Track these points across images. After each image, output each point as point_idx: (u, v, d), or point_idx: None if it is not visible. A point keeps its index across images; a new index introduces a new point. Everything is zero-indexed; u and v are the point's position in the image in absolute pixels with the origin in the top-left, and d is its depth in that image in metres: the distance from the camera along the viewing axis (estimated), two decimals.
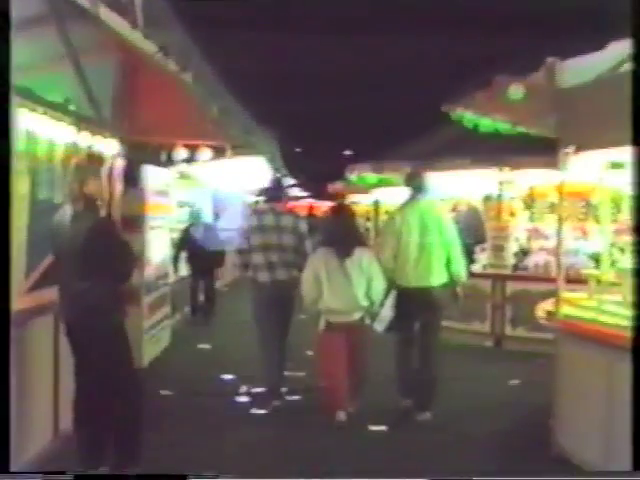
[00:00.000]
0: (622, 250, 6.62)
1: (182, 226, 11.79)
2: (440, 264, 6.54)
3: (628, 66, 4.19)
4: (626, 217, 7.39)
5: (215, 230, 12.41)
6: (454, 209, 12.65)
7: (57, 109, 5.24)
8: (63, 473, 3.90)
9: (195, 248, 11.26)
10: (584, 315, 5.36)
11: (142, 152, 7.67)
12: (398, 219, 6.63)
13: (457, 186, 11.06)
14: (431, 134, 11.42)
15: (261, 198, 7.32)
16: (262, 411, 6.70)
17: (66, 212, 4.59)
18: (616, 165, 5.49)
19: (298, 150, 29.67)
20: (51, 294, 4.84)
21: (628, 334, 4.20)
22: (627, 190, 5.45)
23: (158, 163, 8.56)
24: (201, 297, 11.80)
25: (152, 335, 8.50)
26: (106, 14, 4.16)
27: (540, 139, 6.58)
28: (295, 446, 5.83)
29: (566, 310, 5.47)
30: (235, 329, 9.94)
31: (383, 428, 6.22)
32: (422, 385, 6.62)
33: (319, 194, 33.58)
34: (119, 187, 6.87)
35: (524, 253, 10.45)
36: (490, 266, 10.18)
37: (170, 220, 10.06)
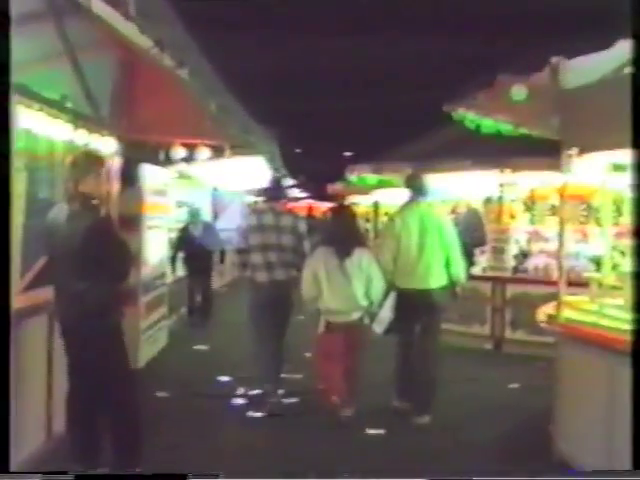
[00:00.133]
0: (623, 253, 6.57)
1: (180, 225, 11.69)
2: (440, 266, 6.54)
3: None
4: (627, 220, 7.36)
5: (214, 229, 12.34)
6: (454, 211, 12.60)
7: (54, 106, 5.18)
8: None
9: (193, 248, 11.16)
10: (585, 319, 5.30)
11: (140, 151, 7.60)
12: (398, 222, 6.64)
13: (457, 188, 11.01)
14: (432, 135, 11.37)
15: (260, 198, 7.25)
16: (259, 414, 6.62)
17: (61, 211, 4.52)
18: (618, 167, 5.44)
19: (298, 150, 29.62)
20: (46, 294, 4.78)
21: (629, 338, 4.15)
22: (629, 193, 5.40)
23: (156, 162, 8.49)
24: (198, 298, 11.69)
25: (149, 336, 8.44)
26: (102, 9, 4.10)
27: (542, 141, 6.53)
28: (292, 449, 5.77)
29: (567, 314, 5.41)
30: (233, 330, 9.87)
31: (381, 432, 6.16)
32: (421, 388, 6.58)
33: (319, 195, 33.56)
34: (117, 186, 6.82)
35: (524, 256, 10.41)
36: (490, 269, 10.11)
37: (168, 220, 10.00)
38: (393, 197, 11.65)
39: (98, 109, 5.96)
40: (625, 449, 3.86)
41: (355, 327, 6.47)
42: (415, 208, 6.66)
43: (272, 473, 5.11)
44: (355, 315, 6.45)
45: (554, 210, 10.80)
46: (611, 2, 4.10)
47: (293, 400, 7.05)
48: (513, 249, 10.37)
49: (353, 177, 13.88)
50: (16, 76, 4.06)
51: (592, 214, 10.47)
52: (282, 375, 7.19)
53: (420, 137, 11.91)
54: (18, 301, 4.56)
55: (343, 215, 6.77)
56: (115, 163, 6.64)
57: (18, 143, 4.60)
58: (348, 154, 29.58)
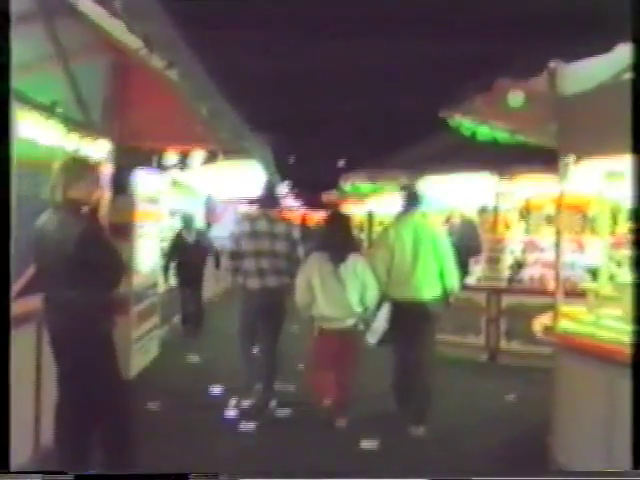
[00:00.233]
0: (619, 263, 6.52)
1: (173, 233, 11.56)
2: (434, 277, 6.53)
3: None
4: (624, 230, 7.31)
5: (207, 236, 12.25)
6: (448, 221, 12.56)
7: (44, 111, 5.10)
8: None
9: (186, 255, 11.03)
10: (582, 330, 5.23)
11: (132, 157, 7.50)
12: (391, 233, 6.63)
13: (452, 197, 10.95)
14: (427, 142, 11.30)
15: (254, 204, 7.20)
16: (251, 425, 6.52)
17: (50, 218, 4.43)
18: (614, 176, 5.39)
19: (292, 159, 29.59)
20: (34, 302, 4.68)
21: (628, 350, 4.08)
22: (625, 202, 5.34)
23: (149, 169, 8.40)
24: (191, 307, 11.55)
25: (141, 345, 8.33)
26: (91, 10, 4.03)
27: (538, 149, 6.48)
28: (285, 459, 5.70)
29: (564, 324, 5.34)
30: (225, 340, 9.77)
31: (375, 444, 6.06)
32: (416, 398, 6.53)
33: (313, 203, 33.50)
34: (108, 193, 6.74)
35: (519, 266, 10.35)
36: (485, 279, 10.04)
37: (161, 228, 9.91)
38: (387, 207, 11.59)
39: (89, 114, 5.88)
40: (625, 460, 3.79)
41: (349, 334, 6.45)
42: (409, 219, 6.67)
43: None
44: (349, 321, 6.43)
45: (550, 220, 10.75)
46: (611, 5, 4.03)
47: (286, 411, 6.95)
48: (508, 259, 10.30)
49: (347, 185, 13.80)
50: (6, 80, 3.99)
51: (588, 224, 10.42)
52: (275, 385, 7.14)
53: (415, 144, 11.85)
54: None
55: (338, 221, 6.74)
56: (106, 169, 6.55)
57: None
58: (342, 162, 29.54)
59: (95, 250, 4.32)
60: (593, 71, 4.42)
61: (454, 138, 7.61)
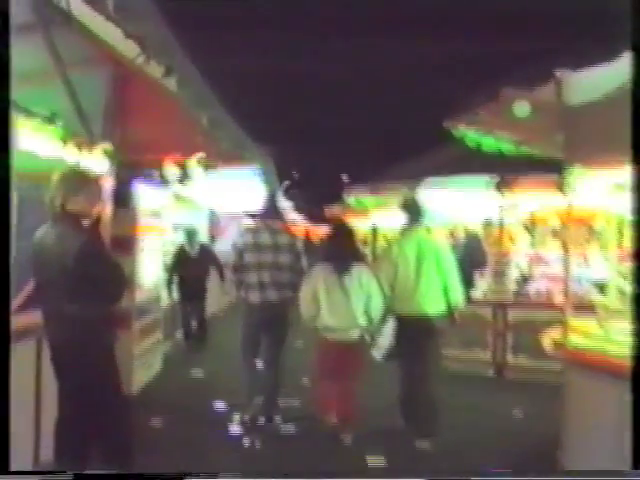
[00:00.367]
0: (625, 277, 6.43)
1: (176, 246, 11.48)
2: (438, 292, 6.52)
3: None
4: (630, 242, 7.23)
5: (211, 250, 12.16)
6: (452, 235, 12.49)
7: (44, 122, 5.05)
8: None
9: (188, 270, 10.95)
10: (593, 345, 5.14)
11: (133, 170, 7.45)
12: (395, 248, 6.68)
13: (456, 211, 10.88)
14: (431, 154, 11.25)
15: (256, 216, 7.15)
16: (255, 441, 6.43)
17: (48, 231, 4.36)
18: (621, 188, 5.31)
19: (295, 173, 29.59)
20: (34, 317, 4.61)
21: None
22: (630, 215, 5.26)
23: (150, 182, 8.35)
24: (194, 321, 11.45)
25: (143, 361, 8.24)
26: (93, 22, 4.00)
27: (544, 160, 6.42)
28: (288, 477, 5.59)
29: (573, 339, 5.25)
30: (230, 355, 9.69)
31: (381, 460, 5.97)
32: (422, 413, 6.49)
33: (316, 218, 33.42)
34: (109, 206, 6.68)
35: (525, 279, 10.26)
36: (491, 293, 9.95)
37: (163, 242, 9.85)
38: (391, 220, 11.52)
39: (90, 126, 5.83)
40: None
41: (353, 346, 6.39)
42: (412, 233, 6.69)
43: None
44: (353, 333, 6.39)
45: (555, 233, 10.67)
46: (616, 13, 3.97)
47: (290, 427, 6.87)
48: (514, 273, 10.21)
49: (351, 199, 13.75)
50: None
51: (594, 237, 10.33)
52: (279, 401, 7.10)
53: (419, 157, 11.79)
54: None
55: (342, 232, 6.72)
56: (107, 182, 6.50)
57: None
58: (345, 176, 29.54)
59: (95, 264, 4.25)
60: (600, 80, 4.35)
61: (458, 149, 7.57)
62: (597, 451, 4.87)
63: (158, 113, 6.30)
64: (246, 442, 6.39)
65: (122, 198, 7.31)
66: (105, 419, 4.52)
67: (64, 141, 5.34)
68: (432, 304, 6.48)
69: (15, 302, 4.78)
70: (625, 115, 4.04)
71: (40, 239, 4.36)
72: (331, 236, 6.82)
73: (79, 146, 5.59)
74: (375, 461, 5.94)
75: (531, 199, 9.63)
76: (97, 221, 4.58)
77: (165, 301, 10.07)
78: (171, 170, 8.55)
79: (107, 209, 6.67)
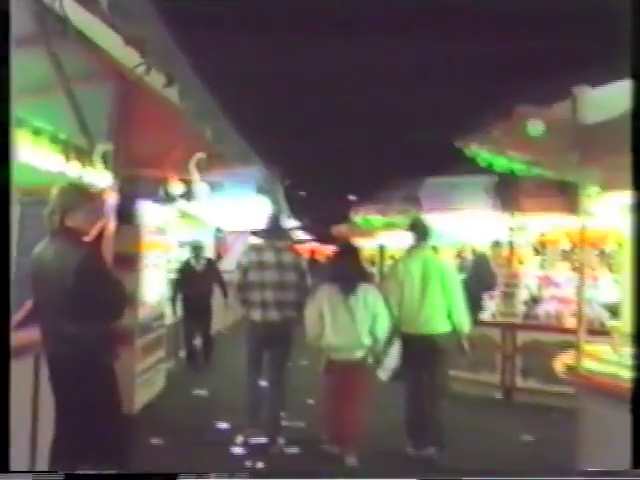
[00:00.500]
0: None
1: (182, 261, 11.34)
2: (443, 312, 6.51)
3: None
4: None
5: (216, 267, 12.01)
6: (459, 255, 12.39)
7: (46, 137, 4.97)
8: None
9: (193, 286, 10.79)
10: (606, 370, 4.99)
11: (137, 186, 7.36)
12: (400, 267, 6.70)
13: (465, 231, 10.78)
14: (440, 174, 11.14)
15: (260, 235, 7.12)
16: (259, 464, 6.29)
17: (46, 246, 4.25)
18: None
19: (302, 191, 29.53)
20: (32, 334, 4.49)
21: None
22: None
23: (155, 199, 8.26)
24: (198, 339, 11.27)
25: (145, 379, 8.10)
26: (96, 34, 3.92)
27: (556, 182, 6.32)
28: None
29: (587, 364, 5.11)
30: (234, 374, 9.55)
31: None
32: (428, 434, 6.48)
33: (323, 237, 33.33)
34: (112, 222, 6.59)
35: (534, 301, 10.11)
36: (500, 314, 9.80)
37: (168, 259, 9.75)
38: (399, 240, 11.43)
39: (93, 141, 5.75)
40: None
41: (358, 366, 6.37)
42: (419, 253, 6.70)
43: None
44: (358, 353, 6.36)
45: (565, 255, 10.56)
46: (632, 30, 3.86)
47: (295, 450, 6.74)
48: (523, 294, 10.06)
49: (358, 218, 13.66)
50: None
51: (605, 259, 10.20)
52: (283, 422, 7.02)
53: (428, 176, 11.69)
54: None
55: (348, 252, 6.72)
56: (111, 198, 6.41)
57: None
58: (353, 195, 29.41)
59: (95, 281, 4.14)
60: (616, 98, 4.23)
61: (469, 170, 7.48)
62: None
63: (162, 127, 6.22)
64: (248, 464, 6.27)
65: (126, 214, 7.23)
66: (103, 440, 4.38)
67: (66, 155, 5.25)
68: (437, 324, 6.47)
69: (13, 319, 4.67)
70: None
71: (38, 255, 4.25)
72: (337, 256, 6.84)
73: (81, 160, 5.50)
74: None
75: (541, 220, 9.52)
76: (98, 237, 4.48)
77: (169, 318, 9.94)
78: (176, 186, 8.47)
79: (110, 225, 6.57)
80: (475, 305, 9.67)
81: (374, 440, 6.57)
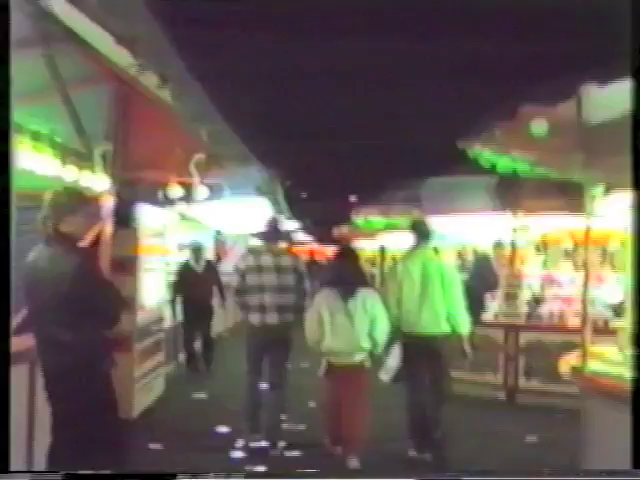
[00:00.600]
0: None
1: (182, 262, 11.25)
2: (442, 313, 6.50)
3: None
4: None
5: (216, 269, 11.92)
6: (460, 256, 12.34)
7: (42, 141, 4.89)
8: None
9: (193, 288, 10.69)
10: (612, 371, 4.91)
11: (135, 189, 7.29)
12: (399, 267, 6.73)
13: (467, 231, 10.71)
14: (442, 175, 11.07)
15: (258, 238, 7.09)
16: (260, 468, 6.21)
17: (41, 253, 4.17)
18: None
19: (303, 193, 29.46)
20: (27, 342, 4.42)
21: None
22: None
23: (154, 202, 8.19)
24: (198, 342, 11.16)
25: (144, 384, 8.03)
26: (93, 37, 3.85)
27: (559, 181, 6.25)
28: None
29: (592, 365, 5.03)
30: (235, 377, 9.49)
31: None
32: (430, 435, 6.44)
33: (324, 238, 33.26)
34: (109, 226, 6.52)
35: (537, 301, 10.03)
36: (502, 315, 9.72)
37: (167, 262, 9.67)
38: (400, 241, 11.37)
39: (90, 144, 5.68)
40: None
41: (358, 369, 6.37)
42: (419, 254, 6.69)
43: None
44: (357, 357, 6.35)
45: (568, 254, 10.49)
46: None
47: (296, 453, 6.68)
48: (526, 294, 9.99)
49: (359, 220, 13.58)
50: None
51: (608, 258, 10.12)
52: (284, 425, 7.01)
53: (430, 177, 11.62)
54: None
55: (346, 256, 6.73)
56: (108, 201, 6.34)
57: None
58: (354, 197, 29.34)
59: (90, 287, 4.07)
60: (622, 97, 4.15)
61: (471, 170, 7.42)
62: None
63: (160, 129, 6.14)
64: (249, 468, 6.20)
65: (123, 217, 7.16)
66: (101, 447, 4.31)
67: (63, 159, 5.18)
68: (437, 325, 6.46)
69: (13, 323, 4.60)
70: None
71: (33, 261, 4.18)
72: (336, 260, 6.87)
73: (78, 164, 5.42)
74: None
75: (543, 220, 9.45)
76: (94, 242, 4.42)
77: (168, 322, 9.86)
78: (175, 189, 8.40)
79: (107, 229, 6.50)
80: (477, 306, 9.62)
81: (376, 443, 6.52)
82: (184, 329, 10.95)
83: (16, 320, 4.65)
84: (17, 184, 4.48)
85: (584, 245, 5.42)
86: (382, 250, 16.19)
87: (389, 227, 12.54)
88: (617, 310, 8.37)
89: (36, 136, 4.84)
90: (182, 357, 11.14)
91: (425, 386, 6.50)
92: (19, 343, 4.53)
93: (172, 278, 10.65)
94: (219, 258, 15.27)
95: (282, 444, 6.75)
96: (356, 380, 6.36)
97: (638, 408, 3.57)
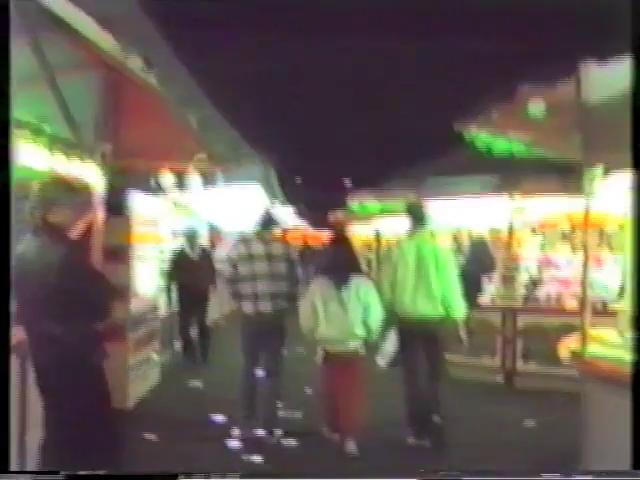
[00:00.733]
0: None
1: (176, 249, 11.14)
2: (437, 296, 6.49)
3: None
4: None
5: (211, 255, 11.81)
6: (456, 239, 12.29)
7: (31, 129, 4.78)
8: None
9: (189, 275, 10.58)
10: (612, 354, 4.85)
11: (126, 177, 7.18)
12: (394, 251, 6.79)
13: (463, 214, 10.62)
14: (438, 158, 10.98)
15: (250, 226, 7.05)
16: (255, 457, 6.16)
17: (29, 244, 4.08)
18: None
19: (297, 178, 29.34)
20: (18, 334, 4.33)
21: None
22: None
23: (146, 190, 8.08)
24: (194, 330, 11.07)
25: (139, 373, 7.95)
26: (79, 23, 3.74)
27: (556, 163, 6.17)
28: None
29: (592, 349, 4.96)
30: (231, 365, 9.43)
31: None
32: (427, 418, 6.47)
33: (319, 223, 33.17)
34: (101, 215, 6.43)
35: (535, 284, 9.97)
36: (500, 298, 9.65)
37: (161, 250, 9.58)
38: (395, 226, 11.29)
39: (80, 133, 5.57)
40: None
41: (353, 356, 6.39)
42: (414, 237, 6.67)
43: None
44: (352, 344, 6.37)
45: (565, 236, 10.43)
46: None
47: (292, 442, 6.61)
48: (523, 277, 9.92)
49: (355, 204, 13.49)
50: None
51: (609, 241, 10.06)
52: (280, 413, 6.97)
53: (426, 160, 11.53)
54: None
55: (339, 244, 6.74)
56: (100, 190, 6.24)
57: None
58: (349, 181, 29.24)
59: (79, 279, 3.98)
60: (622, 75, 4.04)
61: (467, 153, 7.34)
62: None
63: (152, 117, 6.03)
64: (245, 457, 6.16)
65: (115, 206, 7.07)
66: (95, 439, 4.24)
67: (51, 149, 5.07)
68: (432, 308, 6.45)
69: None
70: None
71: (21, 253, 4.07)
72: (328, 249, 6.93)
73: (68, 154, 5.31)
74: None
75: (541, 201, 9.37)
76: (85, 233, 4.32)
77: (162, 310, 9.78)
78: (167, 177, 8.30)
79: (98, 219, 6.40)
80: (474, 289, 9.56)
81: (374, 429, 6.52)
82: (180, 316, 10.86)
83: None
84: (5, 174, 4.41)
85: (582, 227, 5.31)
86: (378, 235, 16.09)
87: (384, 211, 12.46)
88: (615, 292, 8.32)
89: (24, 125, 4.73)
90: (178, 345, 11.06)
91: (422, 370, 6.50)
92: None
93: (167, 265, 10.56)
94: (213, 245, 15.17)
95: (279, 432, 6.69)
96: (351, 367, 6.38)
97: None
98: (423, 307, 6.44)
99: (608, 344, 5.11)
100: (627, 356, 4.67)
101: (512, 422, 7.29)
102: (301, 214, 34.52)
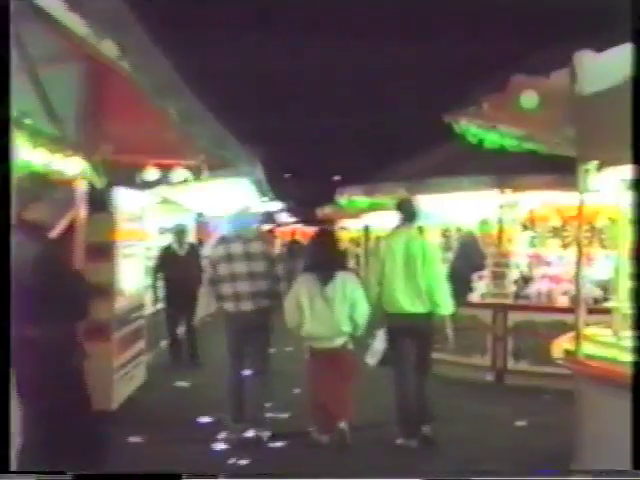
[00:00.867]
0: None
1: (163, 245, 10.96)
2: (424, 292, 6.45)
3: None
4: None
5: (199, 252, 11.63)
6: (445, 235, 12.22)
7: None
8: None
9: (176, 270, 10.40)
10: (606, 353, 4.75)
11: (110, 173, 7.00)
12: (382, 246, 6.72)
13: (453, 210, 10.52)
14: (427, 152, 10.88)
15: (229, 226, 6.97)
16: (242, 460, 6.04)
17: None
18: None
19: (285, 173, 29.23)
20: None
21: None
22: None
23: (130, 185, 7.91)
24: (181, 329, 10.90)
25: (124, 373, 7.79)
26: (60, 13, 3.60)
27: (548, 157, 6.07)
28: None
29: (585, 348, 4.86)
30: (219, 364, 9.29)
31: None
32: (418, 418, 6.42)
33: (307, 219, 33.08)
34: (84, 211, 6.28)
35: (525, 281, 9.87)
36: (490, 295, 9.54)
37: (146, 247, 9.42)
38: (384, 221, 11.21)
39: (62, 127, 5.41)
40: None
41: (340, 353, 6.41)
42: (402, 233, 6.63)
43: None
44: (338, 341, 6.38)
45: (556, 232, 10.34)
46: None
47: (280, 444, 6.51)
48: (514, 274, 9.81)
49: (343, 200, 13.37)
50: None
51: (596, 235, 9.97)
52: (268, 414, 6.83)
53: (415, 155, 11.43)
54: None
55: (324, 240, 6.77)
56: (82, 186, 6.09)
57: None
58: (338, 176, 29.13)
59: (53, 277, 3.85)
60: (616, 65, 3.92)
61: (457, 147, 7.24)
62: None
63: (135, 110, 5.86)
64: (232, 460, 6.05)
65: (98, 202, 6.92)
66: (77, 442, 4.12)
67: (32, 143, 4.91)
68: (421, 303, 6.41)
69: None
70: None
71: None
72: (313, 245, 6.91)
73: (49, 147, 5.15)
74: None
75: (532, 197, 9.28)
76: (67, 229, 4.19)
77: (148, 308, 9.62)
78: (152, 172, 8.14)
79: (80, 216, 6.25)
80: (464, 286, 9.46)
81: (362, 429, 6.47)
82: (167, 314, 10.71)
83: None
84: None
85: (574, 223, 5.21)
86: (366, 230, 16.02)
87: (373, 207, 12.37)
88: (606, 288, 8.23)
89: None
90: (164, 344, 10.90)
91: (412, 368, 6.45)
92: None
93: (154, 262, 10.40)
94: (200, 241, 14.99)
95: (267, 434, 6.58)
96: (338, 364, 6.38)
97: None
98: (411, 303, 6.39)
99: (602, 343, 5.01)
100: (621, 355, 4.59)
101: (503, 421, 7.20)
102: (289, 210, 34.42)
